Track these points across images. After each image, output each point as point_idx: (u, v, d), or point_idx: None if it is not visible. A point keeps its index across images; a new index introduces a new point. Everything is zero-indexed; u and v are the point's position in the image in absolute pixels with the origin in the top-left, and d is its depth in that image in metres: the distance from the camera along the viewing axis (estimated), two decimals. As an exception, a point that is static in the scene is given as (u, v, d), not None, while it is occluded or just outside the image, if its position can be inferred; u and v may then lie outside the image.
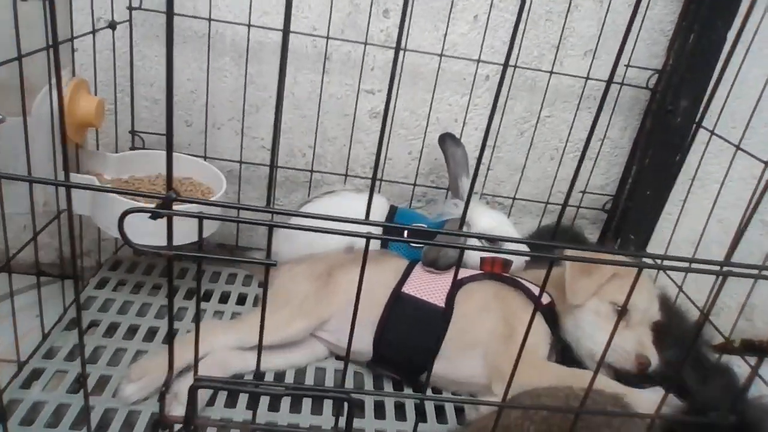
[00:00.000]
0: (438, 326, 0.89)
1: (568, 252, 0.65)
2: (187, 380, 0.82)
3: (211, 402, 0.83)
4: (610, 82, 0.51)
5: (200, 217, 0.43)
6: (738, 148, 0.94)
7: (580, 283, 0.87)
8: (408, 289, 0.92)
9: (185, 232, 0.91)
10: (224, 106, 1.13)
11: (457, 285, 0.92)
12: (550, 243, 1.04)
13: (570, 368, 0.86)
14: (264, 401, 0.85)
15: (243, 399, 0.85)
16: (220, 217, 0.48)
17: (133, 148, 1.12)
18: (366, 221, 0.44)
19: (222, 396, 0.85)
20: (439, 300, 0.91)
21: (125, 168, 1.01)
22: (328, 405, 0.86)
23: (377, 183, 1.19)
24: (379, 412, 0.88)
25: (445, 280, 0.94)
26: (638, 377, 0.86)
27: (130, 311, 1.00)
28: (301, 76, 1.11)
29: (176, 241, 0.87)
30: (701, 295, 1.36)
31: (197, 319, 0.55)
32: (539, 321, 0.88)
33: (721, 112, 0.99)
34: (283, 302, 0.93)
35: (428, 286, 0.93)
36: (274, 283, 0.99)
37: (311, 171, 1.17)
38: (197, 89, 1.11)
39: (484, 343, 0.88)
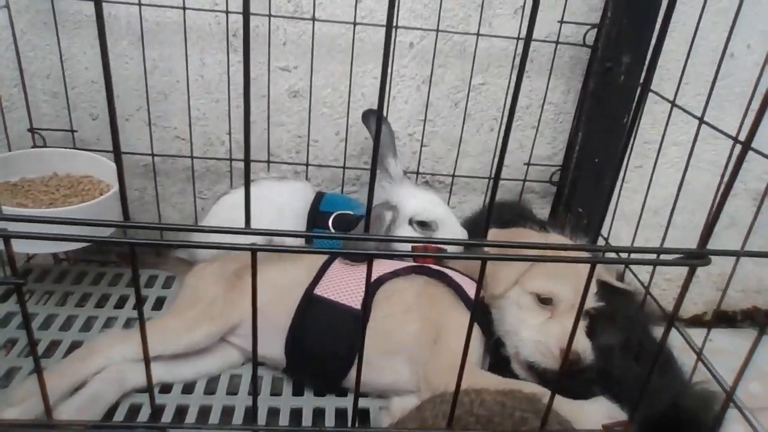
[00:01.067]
0: (354, 330, 0.80)
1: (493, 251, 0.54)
2: (74, 401, 0.75)
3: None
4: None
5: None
6: (673, 104, 0.84)
7: (500, 272, 0.78)
8: (321, 289, 0.83)
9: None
10: (130, 95, 1.04)
11: (376, 283, 0.83)
12: (479, 242, 0.95)
13: (505, 378, 0.76)
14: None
15: (168, 417, 0.78)
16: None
17: (34, 147, 1.03)
18: (247, 230, 0.36)
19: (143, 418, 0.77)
20: (355, 301, 0.82)
21: (14, 170, 0.93)
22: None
23: (304, 168, 1.10)
24: (297, 419, 0.80)
25: (365, 276, 0.85)
26: (580, 384, 0.76)
27: (33, 322, 0.92)
28: (209, 57, 1.02)
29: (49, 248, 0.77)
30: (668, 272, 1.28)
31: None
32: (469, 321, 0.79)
33: (655, 66, 0.89)
34: (189, 305, 0.85)
35: (345, 286, 0.84)
36: (184, 283, 0.92)
37: (230, 160, 1.08)
38: (98, 79, 1.02)
39: (409, 348, 0.79)
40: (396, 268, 0.87)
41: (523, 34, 0.99)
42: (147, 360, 0.45)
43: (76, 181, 0.95)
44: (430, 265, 0.88)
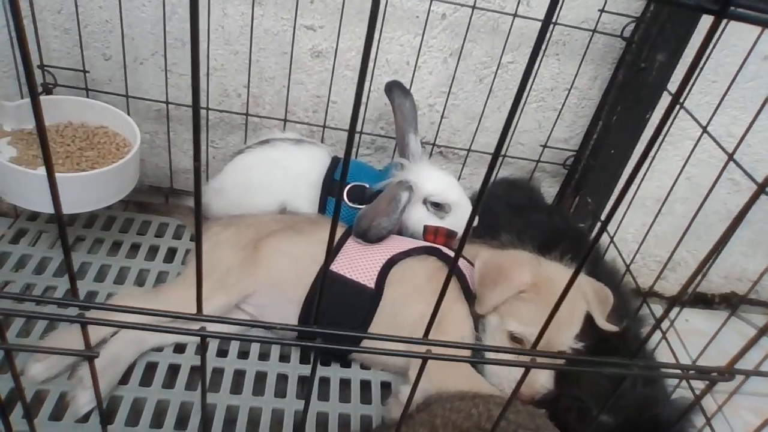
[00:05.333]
0: (366, 308, 0.84)
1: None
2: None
3: (148, 381, 0.81)
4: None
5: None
6: (704, 130, 0.84)
7: (485, 292, 0.80)
8: (337, 265, 0.86)
9: (77, 200, 0.83)
10: (146, 39, 1.00)
11: (389, 264, 0.86)
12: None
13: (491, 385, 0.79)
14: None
15: (183, 376, 0.82)
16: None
17: (44, 84, 1.00)
18: (199, 316, 0.37)
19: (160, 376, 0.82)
20: (369, 279, 0.85)
21: (27, 117, 0.90)
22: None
23: (321, 130, 1.09)
24: (304, 386, 0.86)
25: (378, 255, 0.88)
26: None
27: (47, 269, 0.94)
28: (231, 7, 0.97)
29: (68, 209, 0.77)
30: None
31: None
32: (468, 314, 0.83)
33: (693, 83, 0.88)
34: (205, 274, 0.87)
35: (359, 263, 0.87)
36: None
37: (246, 114, 1.06)
38: (113, 18, 0.97)
39: (410, 327, 0.83)
40: (409, 247, 0.90)
41: (561, 18, 0.96)
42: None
43: (91, 132, 0.93)
44: (442, 248, 0.91)
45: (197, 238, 0.34)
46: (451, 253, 0.90)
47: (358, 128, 1.08)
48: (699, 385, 0.49)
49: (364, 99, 1.07)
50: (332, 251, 0.88)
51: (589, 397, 0.75)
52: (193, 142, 0.30)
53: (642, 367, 0.40)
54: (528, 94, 1.07)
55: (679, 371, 0.42)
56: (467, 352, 0.79)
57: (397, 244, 0.91)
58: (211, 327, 0.83)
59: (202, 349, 0.37)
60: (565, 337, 0.79)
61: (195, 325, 0.36)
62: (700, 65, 0.89)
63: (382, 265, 0.87)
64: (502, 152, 1.12)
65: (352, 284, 0.85)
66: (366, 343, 0.83)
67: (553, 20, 0.97)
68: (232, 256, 0.88)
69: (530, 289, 0.79)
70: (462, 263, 0.88)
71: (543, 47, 1.02)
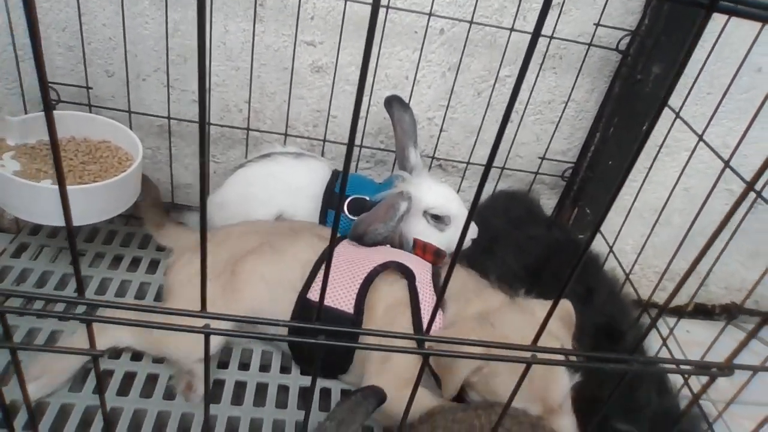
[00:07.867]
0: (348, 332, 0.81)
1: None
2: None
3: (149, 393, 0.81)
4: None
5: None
6: (701, 138, 0.85)
7: (443, 376, 0.74)
8: (314, 293, 0.82)
9: (79, 213, 0.83)
10: (149, 56, 1.01)
11: (366, 283, 0.82)
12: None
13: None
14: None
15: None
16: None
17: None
18: (203, 313, 0.37)
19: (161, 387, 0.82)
20: (347, 304, 0.81)
21: (31, 132, 0.91)
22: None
23: (321, 144, 1.10)
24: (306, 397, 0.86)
25: (356, 274, 0.84)
26: None
27: (48, 282, 0.94)
28: (233, 24, 0.99)
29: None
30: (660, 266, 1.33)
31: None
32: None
33: (689, 93, 0.90)
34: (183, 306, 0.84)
35: (337, 287, 0.82)
36: (170, 276, 0.88)
37: (247, 129, 1.07)
38: (116, 35, 0.99)
39: (369, 355, 0.81)
40: (386, 260, 0.85)
41: (557, 32, 0.98)
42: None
43: (94, 146, 0.94)
44: (417, 273, 0.85)
45: (202, 234, 0.34)
46: (427, 282, 0.84)
47: (358, 142, 1.09)
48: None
49: (363, 113, 1.08)
50: (330, 260, 0.86)
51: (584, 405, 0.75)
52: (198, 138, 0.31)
53: (642, 362, 0.40)
54: (525, 107, 1.08)
55: (679, 366, 0.42)
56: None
57: (375, 257, 0.86)
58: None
59: (205, 346, 0.37)
60: (558, 388, 0.72)
61: (199, 323, 0.37)
62: (695, 76, 0.91)
63: (359, 286, 0.82)
64: (501, 165, 1.13)
65: (332, 311, 0.81)
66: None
67: (549, 34, 0.98)
68: (211, 287, 0.80)
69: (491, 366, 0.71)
70: (426, 298, 0.82)
71: (540, 62, 1.03)
